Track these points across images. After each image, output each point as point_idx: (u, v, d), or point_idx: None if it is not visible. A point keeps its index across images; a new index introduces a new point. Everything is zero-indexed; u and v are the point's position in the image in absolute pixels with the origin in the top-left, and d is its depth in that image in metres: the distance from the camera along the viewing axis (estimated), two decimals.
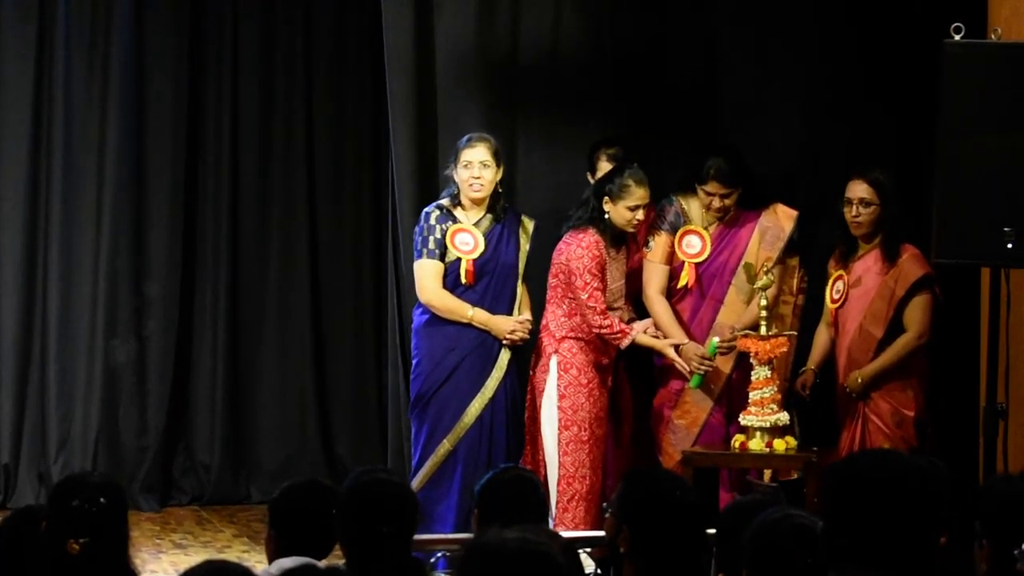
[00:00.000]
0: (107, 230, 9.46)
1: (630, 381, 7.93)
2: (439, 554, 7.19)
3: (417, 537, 4.55)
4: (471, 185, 7.62)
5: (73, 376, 9.47)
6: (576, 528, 7.36)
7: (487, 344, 7.62)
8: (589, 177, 7.98)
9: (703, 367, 7.54)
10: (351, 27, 9.85)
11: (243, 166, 9.77)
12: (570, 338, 7.58)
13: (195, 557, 8.20)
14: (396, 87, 8.53)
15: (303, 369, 9.88)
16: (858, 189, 7.46)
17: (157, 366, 9.57)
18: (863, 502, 3.10)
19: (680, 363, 7.54)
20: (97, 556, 4.30)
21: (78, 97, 9.43)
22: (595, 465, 7.55)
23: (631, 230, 7.63)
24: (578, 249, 7.52)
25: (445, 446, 7.58)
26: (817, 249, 7.90)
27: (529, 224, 7.78)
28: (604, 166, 7.92)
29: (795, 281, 7.84)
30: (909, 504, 3.10)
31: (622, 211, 7.52)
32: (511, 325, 7.62)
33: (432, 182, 8.51)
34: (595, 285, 7.49)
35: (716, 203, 7.66)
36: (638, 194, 7.51)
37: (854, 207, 7.46)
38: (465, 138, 7.73)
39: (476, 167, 7.61)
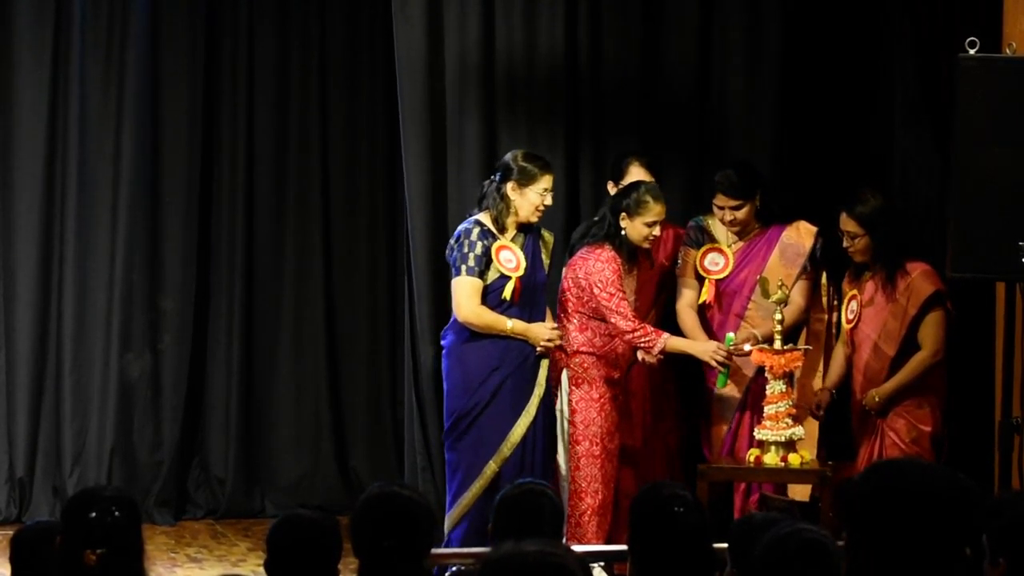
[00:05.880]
0: (122, 244, 9.46)
1: (651, 394, 7.91)
2: (453, 568, 7.19)
3: (433, 551, 4.54)
4: (539, 210, 7.45)
5: (88, 390, 9.47)
6: (588, 543, 7.34)
7: (529, 362, 7.46)
8: (611, 186, 7.95)
9: (719, 357, 7.41)
10: (364, 41, 9.83)
11: (257, 180, 9.77)
12: (582, 352, 7.55)
13: (210, 571, 8.21)
14: (408, 99, 8.54)
15: (318, 383, 9.88)
16: (844, 223, 7.50)
17: (172, 380, 9.57)
18: (890, 512, 3.09)
19: (703, 356, 7.46)
20: (113, 568, 4.29)
21: (93, 110, 9.44)
22: (607, 480, 7.53)
23: (646, 246, 7.60)
24: (597, 263, 7.48)
25: (492, 467, 7.39)
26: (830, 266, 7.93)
27: (549, 237, 7.69)
28: (635, 171, 7.89)
29: (825, 299, 7.84)
30: (937, 513, 3.08)
31: (639, 227, 7.49)
32: (547, 333, 7.48)
33: (444, 195, 8.51)
34: (620, 295, 7.44)
35: (727, 216, 7.67)
36: (655, 210, 7.49)
37: (845, 239, 7.52)
38: (536, 159, 7.49)
39: (549, 196, 7.45)
